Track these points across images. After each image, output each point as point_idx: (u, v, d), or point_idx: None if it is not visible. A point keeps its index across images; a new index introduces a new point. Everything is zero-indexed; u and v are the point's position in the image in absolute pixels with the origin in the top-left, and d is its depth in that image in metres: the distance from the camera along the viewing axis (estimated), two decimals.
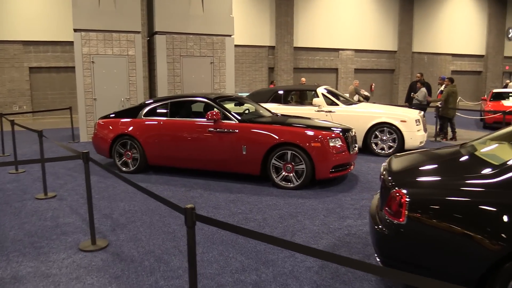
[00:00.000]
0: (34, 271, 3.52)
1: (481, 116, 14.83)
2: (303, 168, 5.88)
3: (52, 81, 17.89)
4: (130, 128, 6.97)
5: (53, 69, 17.80)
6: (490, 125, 13.61)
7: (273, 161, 6.02)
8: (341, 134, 6.13)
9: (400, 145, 8.43)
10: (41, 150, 5.64)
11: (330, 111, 8.89)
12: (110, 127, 7.19)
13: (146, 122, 6.91)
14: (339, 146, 5.99)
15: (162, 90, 11.33)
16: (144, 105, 7.14)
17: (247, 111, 7.32)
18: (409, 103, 11.62)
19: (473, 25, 27.67)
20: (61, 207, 5.27)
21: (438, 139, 10.90)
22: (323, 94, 9.11)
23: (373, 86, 25.85)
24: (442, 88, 11.54)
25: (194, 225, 2.12)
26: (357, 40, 24.39)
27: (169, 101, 6.97)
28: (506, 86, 19.72)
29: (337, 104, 8.99)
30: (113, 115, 7.38)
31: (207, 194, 5.79)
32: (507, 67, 29.37)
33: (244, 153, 6.16)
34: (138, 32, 11.01)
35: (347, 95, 13.23)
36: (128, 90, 11.05)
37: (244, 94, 10.22)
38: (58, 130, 13.25)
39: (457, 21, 27.08)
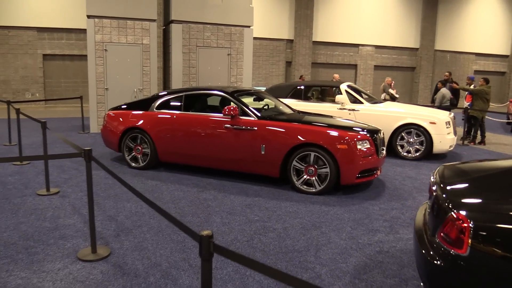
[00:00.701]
0: (24, 283, 3.09)
1: (508, 119, 14.09)
2: (327, 172, 5.37)
3: (66, 69, 17.59)
4: (141, 121, 6.53)
5: (67, 57, 17.49)
6: None
7: (294, 163, 5.52)
8: (369, 135, 5.59)
9: (428, 148, 7.85)
10: (44, 144, 5.22)
11: (353, 110, 8.34)
12: (120, 119, 6.76)
13: (158, 116, 6.46)
14: (366, 149, 5.46)
15: (177, 82, 10.88)
16: (156, 97, 6.69)
17: (266, 107, 6.82)
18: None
19: (498, 24, 26.65)
20: (63, 205, 4.85)
21: (465, 142, 10.26)
22: (346, 91, 8.55)
23: (392, 84, 25.14)
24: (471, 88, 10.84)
25: (211, 257, 1.64)
26: (378, 35, 23.63)
27: (183, 93, 6.50)
28: None
29: (361, 102, 8.43)
30: (124, 106, 6.95)
31: (221, 197, 5.32)
32: None
33: (262, 153, 5.67)
34: (154, 21, 10.55)
35: (369, 91, 12.61)
36: (141, 80, 10.62)
37: (261, 89, 9.71)
38: (69, 119, 12.92)
39: (482, 19, 26.09)
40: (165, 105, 6.57)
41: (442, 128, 7.81)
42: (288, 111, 6.67)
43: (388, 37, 23.89)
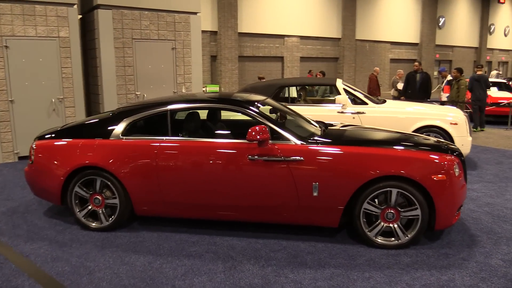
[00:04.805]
0: None
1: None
2: (417, 215, 3.64)
3: None
4: (101, 156, 4.13)
5: None
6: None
7: (365, 205, 3.70)
8: (458, 157, 3.98)
9: None
10: None
11: (358, 112, 6.74)
12: (62, 154, 4.27)
13: (129, 145, 4.12)
14: (460, 176, 3.85)
15: (110, 87, 8.31)
16: (120, 115, 4.32)
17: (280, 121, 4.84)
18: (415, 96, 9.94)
19: (409, 12, 27.50)
20: None
21: None
22: (345, 90, 6.92)
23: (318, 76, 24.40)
24: (448, 79, 9.99)
25: None
26: (303, 26, 22.62)
27: (167, 107, 4.24)
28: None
29: (365, 103, 6.86)
30: (56, 134, 4.46)
31: (273, 277, 3.29)
32: (437, 55, 29.84)
33: (314, 194, 3.74)
34: (73, 5, 7.82)
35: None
36: (60, 87, 7.85)
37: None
38: None
39: (395, 8, 26.65)
40: (139, 127, 4.27)
41: (464, 130, 6.57)
42: (314, 124, 4.76)
43: (312, 27, 23.01)
